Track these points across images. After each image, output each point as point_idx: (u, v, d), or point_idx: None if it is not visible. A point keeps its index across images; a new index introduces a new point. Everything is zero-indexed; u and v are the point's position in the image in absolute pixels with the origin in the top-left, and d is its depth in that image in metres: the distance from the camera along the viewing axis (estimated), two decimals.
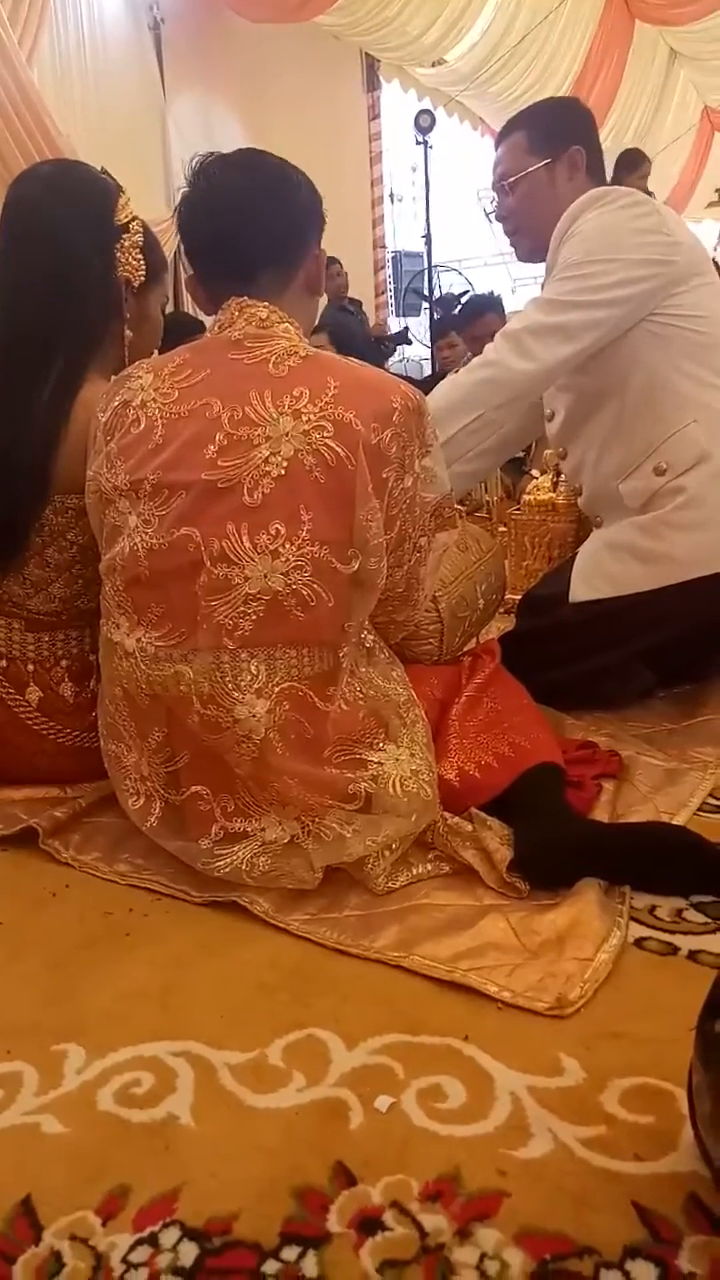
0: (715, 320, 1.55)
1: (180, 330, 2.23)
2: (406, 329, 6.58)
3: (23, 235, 1.35)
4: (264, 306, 1.17)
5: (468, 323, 4.28)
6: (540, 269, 1.71)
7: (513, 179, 1.67)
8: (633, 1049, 0.85)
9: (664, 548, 1.54)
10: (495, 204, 1.74)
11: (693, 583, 1.52)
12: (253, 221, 1.18)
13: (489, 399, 1.54)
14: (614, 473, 1.62)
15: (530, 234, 1.69)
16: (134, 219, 1.37)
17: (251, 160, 1.22)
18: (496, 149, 1.74)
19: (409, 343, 6.42)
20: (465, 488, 1.95)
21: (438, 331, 5.17)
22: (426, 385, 1.34)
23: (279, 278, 1.21)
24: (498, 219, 1.75)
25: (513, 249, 1.78)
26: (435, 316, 6.30)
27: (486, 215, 1.76)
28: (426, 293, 6.85)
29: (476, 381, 1.55)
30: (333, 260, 5.18)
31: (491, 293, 4.67)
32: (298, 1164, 0.75)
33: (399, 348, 6.52)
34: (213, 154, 1.22)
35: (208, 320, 1.26)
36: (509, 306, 4.37)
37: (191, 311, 4.99)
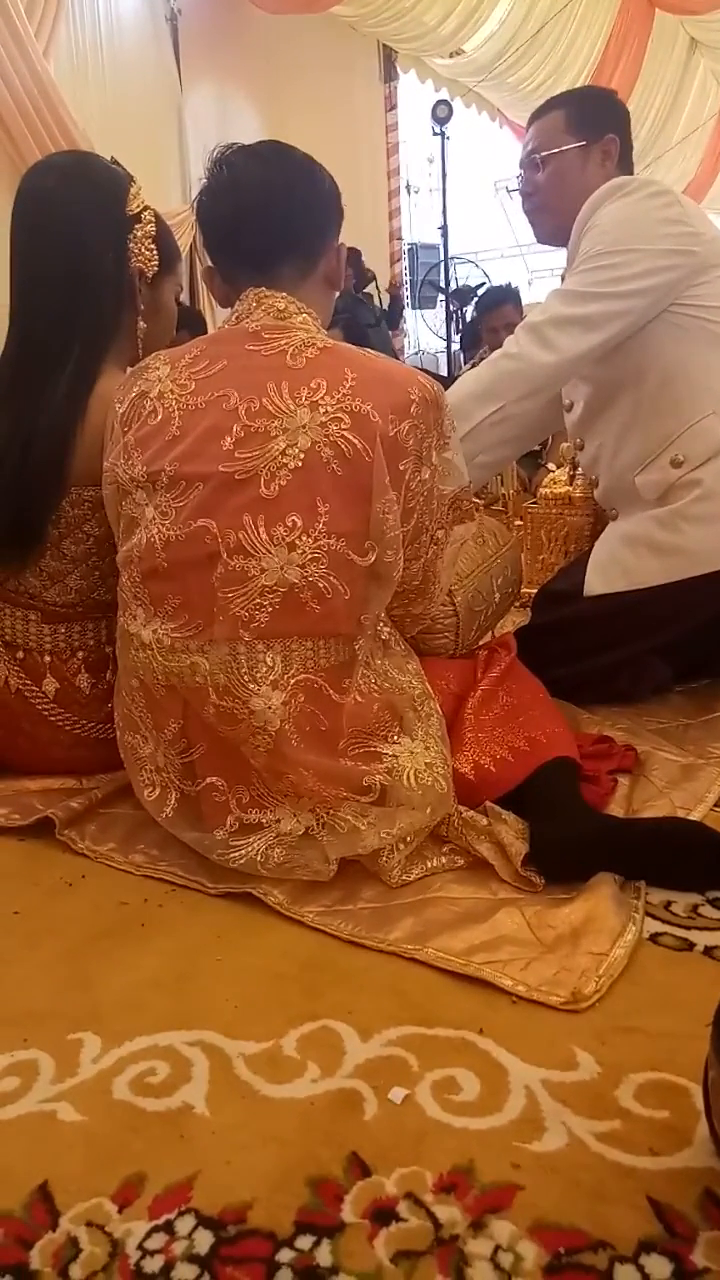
0: None
1: (179, 323, 2.21)
2: (389, 311, 6.30)
3: (36, 228, 1.35)
4: (282, 297, 1.17)
5: (484, 314, 4.26)
6: (558, 260, 1.69)
7: (545, 154, 1.66)
8: (648, 1044, 0.85)
9: (679, 541, 1.53)
10: (521, 179, 1.72)
11: (708, 576, 1.51)
12: (274, 209, 1.17)
13: (511, 391, 1.54)
14: (631, 464, 1.61)
15: (553, 213, 1.68)
16: (146, 209, 1.37)
17: (274, 150, 1.22)
18: (529, 127, 1.72)
19: (391, 325, 6.19)
20: (484, 479, 1.95)
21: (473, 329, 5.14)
22: (445, 383, 1.33)
23: (298, 269, 1.20)
24: (522, 194, 1.73)
25: (531, 227, 1.76)
26: (451, 308, 6.26)
27: (508, 191, 1.75)
28: (443, 284, 6.81)
29: (498, 374, 1.55)
30: (354, 250, 5.14)
31: (508, 284, 4.65)
32: (312, 1154, 0.75)
33: (388, 325, 6.32)
34: (234, 144, 1.21)
35: (222, 313, 1.25)
36: (525, 299, 4.34)
37: (206, 303, 5.01)
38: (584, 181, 1.62)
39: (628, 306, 1.50)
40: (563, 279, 1.64)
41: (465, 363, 5.19)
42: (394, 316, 6.09)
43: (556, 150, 1.65)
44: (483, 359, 3.86)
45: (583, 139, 1.64)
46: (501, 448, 1.60)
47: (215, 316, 4.56)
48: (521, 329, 1.55)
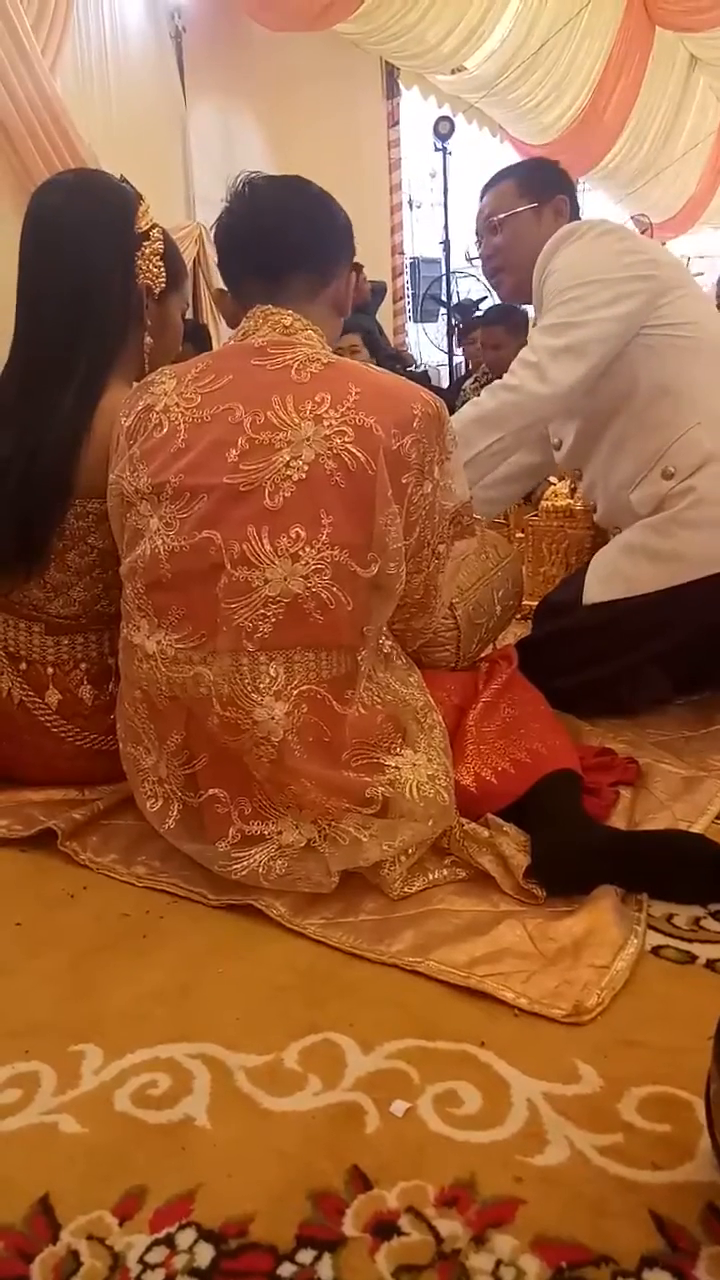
0: (702, 325, 1.62)
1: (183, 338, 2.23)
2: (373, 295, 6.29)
3: (45, 245, 1.36)
4: (288, 314, 1.19)
5: (483, 330, 4.28)
6: None
7: (502, 216, 1.76)
8: (650, 1057, 0.85)
9: (675, 546, 1.56)
10: (480, 244, 1.84)
11: (704, 581, 1.53)
12: (290, 223, 1.22)
13: (511, 422, 1.61)
14: (625, 483, 1.65)
15: (513, 271, 1.78)
16: (154, 226, 1.39)
17: (295, 180, 1.28)
18: (481, 199, 1.83)
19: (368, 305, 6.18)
20: (489, 514, 2.05)
21: (467, 328, 5.17)
22: (447, 396, 1.36)
23: (308, 286, 1.23)
24: (482, 258, 1.85)
25: (494, 289, 1.89)
26: (452, 322, 6.28)
27: (468, 259, 1.87)
28: (444, 298, 6.85)
29: (500, 405, 1.61)
30: (358, 266, 5.17)
31: (513, 305, 4.66)
32: (314, 1167, 0.75)
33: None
34: (256, 172, 1.26)
35: (228, 328, 1.27)
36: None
37: (210, 317, 5.03)
38: (539, 239, 1.71)
39: (605, 331, 1.57)
40: (533, 325, 1.71)
41: (465, 368, 5.21)
42: (374, 303, 6.14)
43: (512, 212, 1.75)
44: (484, 374, 3.90)
45: (534, 201, 1.74)
46: (505, 485, 1.70)
47: (220, 331, 4.59)
48: (518, 364, 1.62)
